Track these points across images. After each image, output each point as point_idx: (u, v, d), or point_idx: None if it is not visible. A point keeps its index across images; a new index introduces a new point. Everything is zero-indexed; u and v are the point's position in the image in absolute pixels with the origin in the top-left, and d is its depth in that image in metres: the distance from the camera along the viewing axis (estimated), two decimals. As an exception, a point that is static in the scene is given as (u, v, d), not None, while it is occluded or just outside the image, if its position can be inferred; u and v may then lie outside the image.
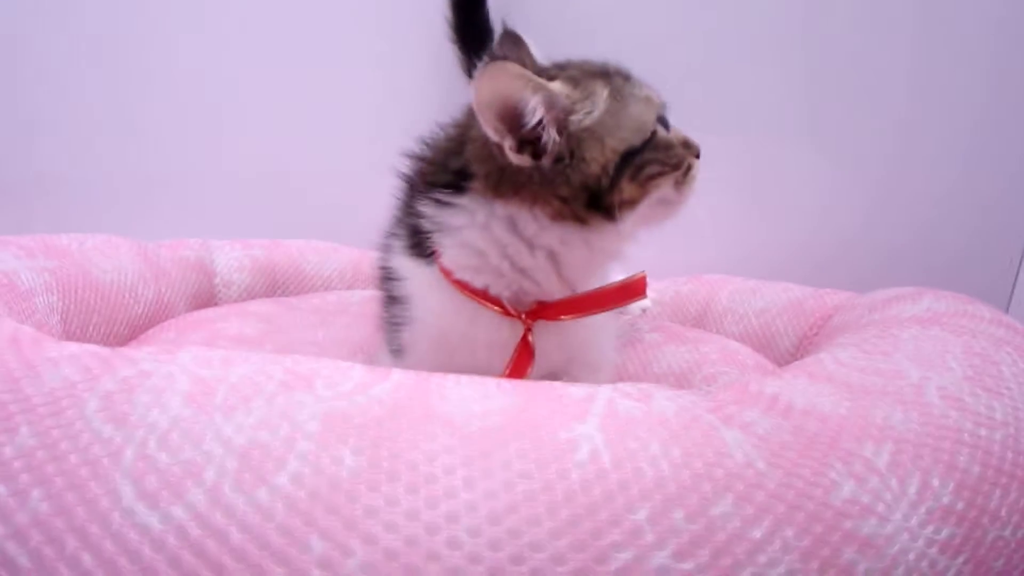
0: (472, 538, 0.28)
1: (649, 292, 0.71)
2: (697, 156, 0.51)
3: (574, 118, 0.46)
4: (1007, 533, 0.33)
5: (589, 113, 0.47)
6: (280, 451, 0.30)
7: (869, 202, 1.02)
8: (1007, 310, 0.99)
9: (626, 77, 0.50)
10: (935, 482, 0.33)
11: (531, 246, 0.49)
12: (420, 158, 0.57)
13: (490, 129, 0.45)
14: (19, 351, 0.34)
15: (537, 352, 0.52)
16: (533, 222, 0.48)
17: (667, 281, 0.98)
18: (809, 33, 0.98)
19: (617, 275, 0.54)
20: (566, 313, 0.52)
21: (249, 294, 0.96)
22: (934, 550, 0.31)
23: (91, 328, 0.67)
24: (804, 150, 1.01)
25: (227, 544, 0.27)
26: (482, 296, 0.51)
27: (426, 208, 0.51)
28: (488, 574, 0.27)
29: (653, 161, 0.48)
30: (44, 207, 1.12)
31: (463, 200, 0.49)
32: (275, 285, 0.99)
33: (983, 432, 0.36)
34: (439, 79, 1.02)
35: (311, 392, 0.33)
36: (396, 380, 0.35)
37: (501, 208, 0.48)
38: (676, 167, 0.49)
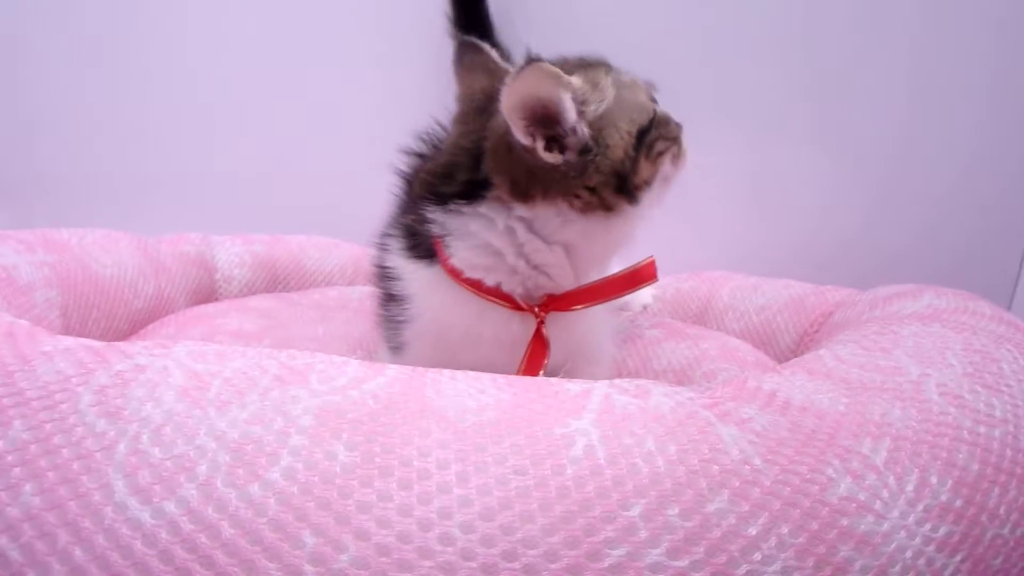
0: (465, 534, 0.27)
1: (650, 288, 0.71)
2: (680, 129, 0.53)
3: (590, 109, 0.47)
4: (1006, 531, 0.33)
5: (601, 102, 0.48)
6: (273, 446, 0.29)
7: (870, 202, 1.02)
8: (1009, 310, 0.99)
9: (609, 66, 0.51)
10: (933, 479, 0.33)
11: (548, 242, 0.50)
12: (419, 155, 0.57)
13: (520, 133, 0.45)
14: (14, 344, 0.34)
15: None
16: (556, 218, 0.48)
17: (668, 278, 0.97)
18: (809, 33, 0.97)
19: (615, 268, 0.54)
20: (579, 302, 0.53)
21: (250, 289, 0.96)
22: (932, 548, 0.31)
23: (90, 323, 0.67)
24: (805, 149, 1.01)
25: (219, 539, 0.27)
26: (494, 294, 0.51)
27: (434, 215, 0.50)
28: (481, 570, 0.27)
29: (660, 137, 0.50)
30: (44, 207, 1.12)
31: (480, 208, 0.49)
32: (276, 281, 0.99)
33: (982, 429, 0.36)
34: (439, 79, 1.01)
35: (306, 386, 0.33)
36: (391, 375, 0.35)
37: (522, 210, 0.48)
38: (675, 140, 0.51)
